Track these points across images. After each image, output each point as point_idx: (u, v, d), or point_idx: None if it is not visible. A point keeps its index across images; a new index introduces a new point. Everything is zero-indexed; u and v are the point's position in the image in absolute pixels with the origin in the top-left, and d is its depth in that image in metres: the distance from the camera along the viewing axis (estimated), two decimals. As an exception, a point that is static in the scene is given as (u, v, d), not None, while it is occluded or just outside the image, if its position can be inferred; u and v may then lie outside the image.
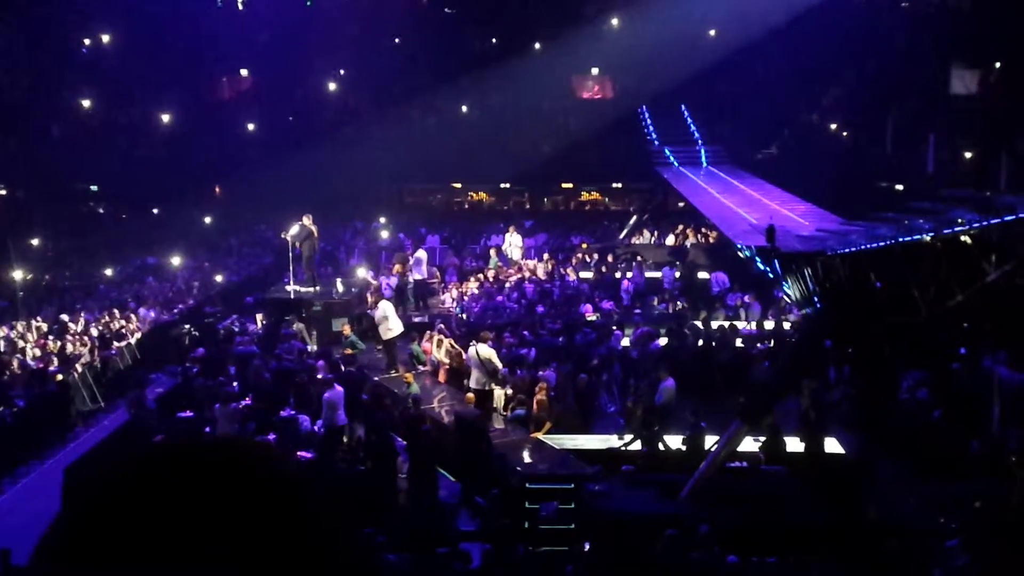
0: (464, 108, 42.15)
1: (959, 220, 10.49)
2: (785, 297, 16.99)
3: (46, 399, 18.48)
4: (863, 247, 12.10)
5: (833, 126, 40.20)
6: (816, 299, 13.25)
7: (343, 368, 18.25)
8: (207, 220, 38.05)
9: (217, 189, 41.08)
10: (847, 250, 12.44)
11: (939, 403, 16.25)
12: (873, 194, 30.65)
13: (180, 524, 0.86)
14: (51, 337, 22.35)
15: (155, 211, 38.90)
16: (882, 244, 11.67)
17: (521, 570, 11.39)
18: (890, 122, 36.82)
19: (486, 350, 16.48)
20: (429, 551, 11.38)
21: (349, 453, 16.04)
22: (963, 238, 10.08)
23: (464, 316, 22.71)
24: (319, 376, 17.81)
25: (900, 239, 11.30)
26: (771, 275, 15.24)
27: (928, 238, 10.60)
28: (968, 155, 34.32)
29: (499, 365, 16.65)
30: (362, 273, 25.25)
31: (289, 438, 15.85)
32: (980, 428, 15.23)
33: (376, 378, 18.37)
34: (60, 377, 19.26)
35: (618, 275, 26.88)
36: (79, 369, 20.05)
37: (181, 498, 0.88)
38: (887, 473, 14.01)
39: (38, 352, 21.21)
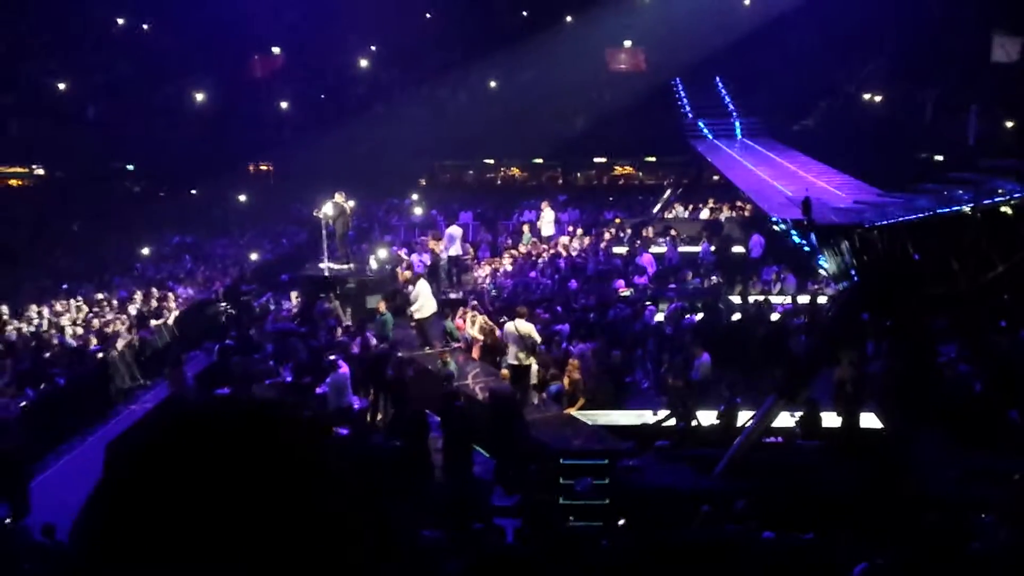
0: (496, 83, 41.94)
1: (999, 191, 10.32)
2: (821, 271, 16.77)
3: (86, 377, 18.72)
4: (901, 219, 11.94)
5: (871, 97, 39.53)
6: (853, 272, 13.10)
7: (374, 344, 18.23)
8: (242, 199, 38.29)
9: (251, 167, 41.32)
10: (885, 222, 12.28)
11: (979, 375, 16.02)
12: (912, 165, 30.12)
13: (214, 497, 0.83)
14: (91, 315, 22.63)
15: (192, 191, 39.23)
16: (921, 216, 11.50)
17: (555, 546, 11.41)
18: (930, 92, 36.16)
19: (525, 325, 16.12)
20: (464, 527, 11.43)
21: (386, 429, 16.09)
22: (1003, 209, 9.91)
23: (497, 292, 22.67)
24: (331, 357, 17.54)
25: (939, 210, 11.13)
26: (807, 248, 15.07)
27: (968, 209, 10.43)
28: (1010, 124, 33.67)
29: (538, 340, 16.43)
30: (384, 250, 25.13)
31: (325, 415, 15.90)
32: (1021, 400, 15.02)
33: (400, 354, 18.10)
34: (100, 355, 19.52)
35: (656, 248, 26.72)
36: (118, 347, 20.29)
37: (214, 470, 0.85)
38: (926, 446, 13.87)
39: (79, 331, 21.48)
